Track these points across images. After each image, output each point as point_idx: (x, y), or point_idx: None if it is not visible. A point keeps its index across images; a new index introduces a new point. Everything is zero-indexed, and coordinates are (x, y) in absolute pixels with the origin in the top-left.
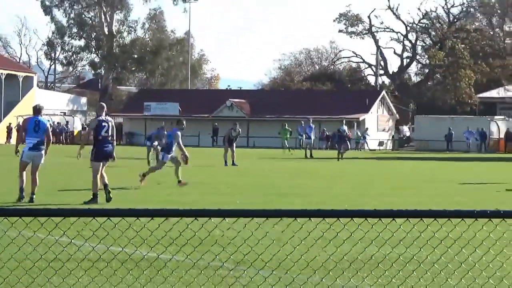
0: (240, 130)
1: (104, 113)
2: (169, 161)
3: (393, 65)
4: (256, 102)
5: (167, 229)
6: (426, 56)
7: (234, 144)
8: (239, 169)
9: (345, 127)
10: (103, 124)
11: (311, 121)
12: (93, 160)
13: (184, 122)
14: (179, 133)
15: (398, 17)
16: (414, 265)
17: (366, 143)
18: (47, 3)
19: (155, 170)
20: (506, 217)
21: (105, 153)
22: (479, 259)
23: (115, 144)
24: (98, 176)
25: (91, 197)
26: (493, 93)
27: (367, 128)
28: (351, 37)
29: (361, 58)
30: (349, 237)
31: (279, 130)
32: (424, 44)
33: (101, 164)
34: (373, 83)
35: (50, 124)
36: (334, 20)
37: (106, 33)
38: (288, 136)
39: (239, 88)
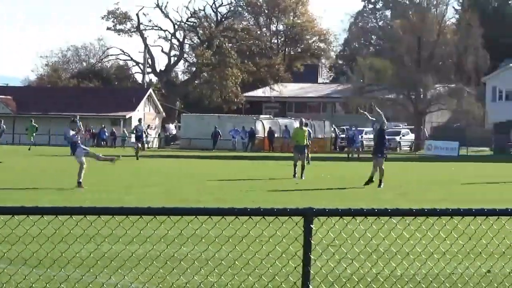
0: (4, 126)
1: None
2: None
3: (161, 63)
4: (23, 99)
5: None
6: (194, 55)
7: None
8: (2, 166)
9: (142, 125)
10: None
11: (78, 118)
12: None
13: (78, 122)
14: (71, 131)
15: (166, 16)
16: (175, 262)
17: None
18: None
19: (82, 172)
20: (265, 215)
21: None
22: (239, 256)
23: None
24: None
25: None
26: (259, 92)
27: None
28: (119, 34)
29: (129, 56)
30: (110, 234)
31: (27, 126)
32: (192, 43)
33: None
34: (140, 81)
35: None
36: (102, 18)
37: None
38: (34, 133)
39: (5, 85)
